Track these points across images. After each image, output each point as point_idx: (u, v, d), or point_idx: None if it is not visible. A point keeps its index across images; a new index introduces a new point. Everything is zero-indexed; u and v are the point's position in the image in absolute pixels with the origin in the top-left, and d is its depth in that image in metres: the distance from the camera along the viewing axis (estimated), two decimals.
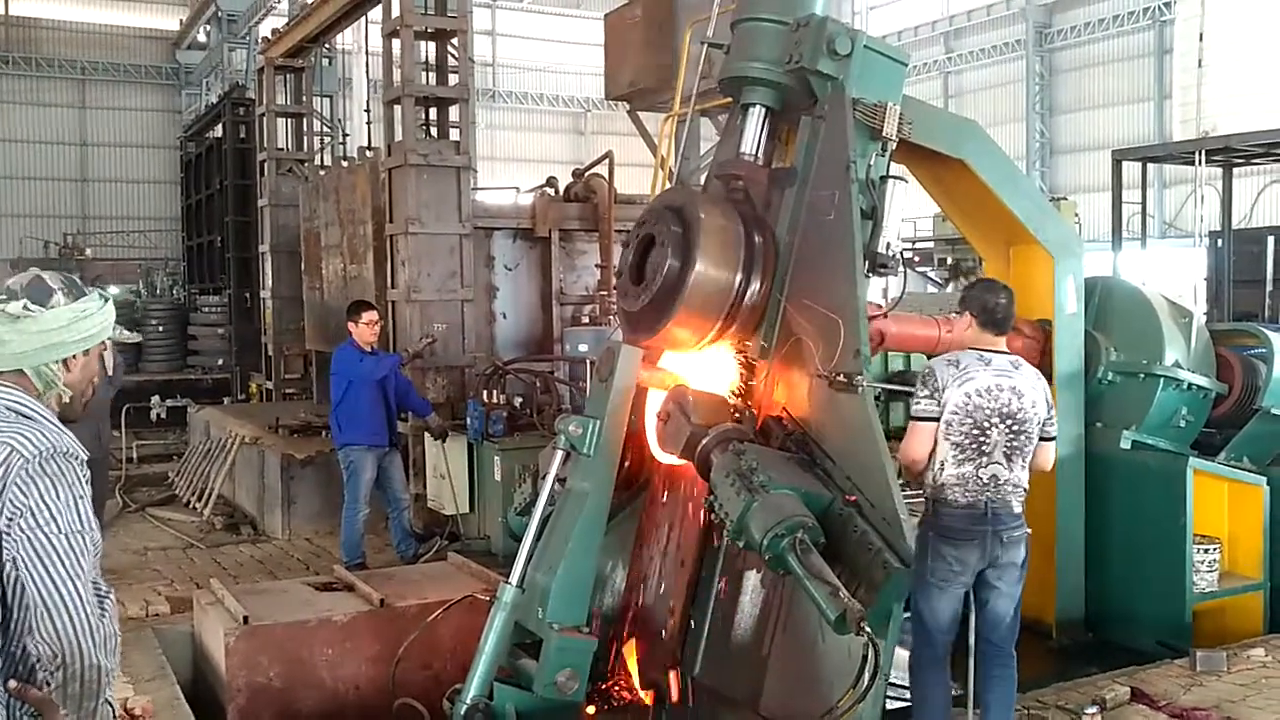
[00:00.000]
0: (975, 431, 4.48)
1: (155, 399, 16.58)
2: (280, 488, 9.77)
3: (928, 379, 4.56)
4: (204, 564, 8.79)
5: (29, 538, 2.49)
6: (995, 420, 4.47)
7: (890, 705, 5.41)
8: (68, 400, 2.78)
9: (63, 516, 2.53)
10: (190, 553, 9.23)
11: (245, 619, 6.03)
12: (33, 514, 2.50)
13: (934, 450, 4.56)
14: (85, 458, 2.69)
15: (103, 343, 2.87)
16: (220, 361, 18.53)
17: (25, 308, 2.67)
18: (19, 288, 2.71)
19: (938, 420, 4.51)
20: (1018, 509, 4.53)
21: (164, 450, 14.61)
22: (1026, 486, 4.57)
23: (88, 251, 31.18)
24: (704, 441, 5.45)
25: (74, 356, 2.75)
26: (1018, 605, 4.61)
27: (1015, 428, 4.47)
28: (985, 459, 4.48)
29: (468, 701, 5.28)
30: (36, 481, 2.51)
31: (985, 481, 4.49)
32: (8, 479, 2.49)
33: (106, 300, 2.88)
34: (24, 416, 2.62)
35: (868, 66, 5.80)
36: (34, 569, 2.49)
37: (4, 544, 2.50)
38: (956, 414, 4.48)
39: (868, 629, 4.70)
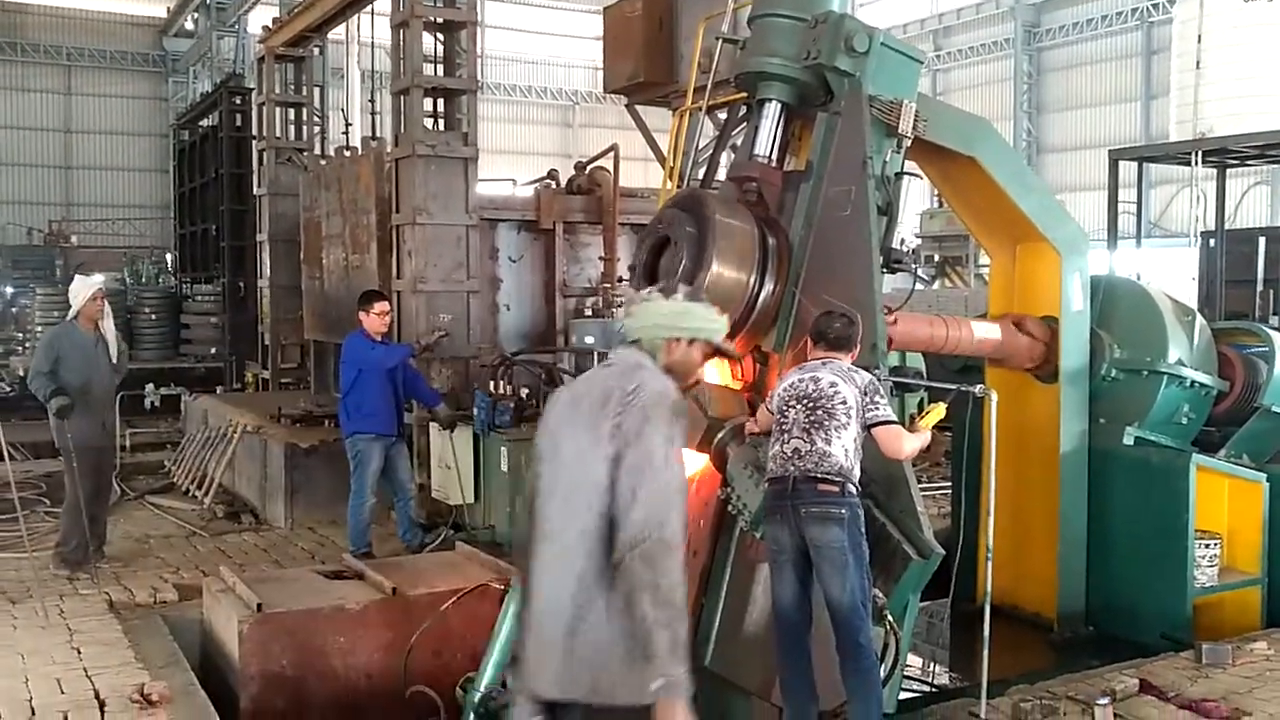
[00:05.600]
0: (780, 417, 4.94)
1: (150, 387, 16.52)
2: (283, 477, 9.76)
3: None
4: (208, 552, 8.78)
5: (632, 450, 3.19)
6: (793, 402, 4.91)
7: (903, 695, 5.51)
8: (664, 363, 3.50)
9: (662, 437, 3.22)
10: (193, 540, 9.22)
11: (259, 606, 6.05)
12: (641, 431, 3.21)
13: None
14: (677, 400, 3.38)
15: (705, 344, 3.59)
16: (213, 350, 18.45)
17: (646, 298, 3.61)
18: (663, 288, 3.81)
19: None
20: (824, 487, 4.71)
21: (157, 439, 14.55)
22: (844, 464, 4.74)
23: (72, 239, 30.99)
24: (720, 434, 5.52)
25: (676, 341, 3.52)
26: (859, 596, 4.64)
27: (810, 404, 4.85)
28: (787, 435, 4.87)
29: (482, 689, 5.33)
30: (651, 409, 3.25)
31: (789, 455, 4.82)
32: (628, 405, 3.26)
33: (706, 309, 3.66)
34: (645, 368, 3.43)
35: (884, 63, 5.87)
36: (629, 474, 3.18)
37: (620, 462, 3.20)
38: (774, 410, 5.02)
39: (890, 619, 4.79)
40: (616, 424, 3.23)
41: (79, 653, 6.18)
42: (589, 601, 3.18)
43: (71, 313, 8.34)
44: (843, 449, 4.75)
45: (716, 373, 6.07)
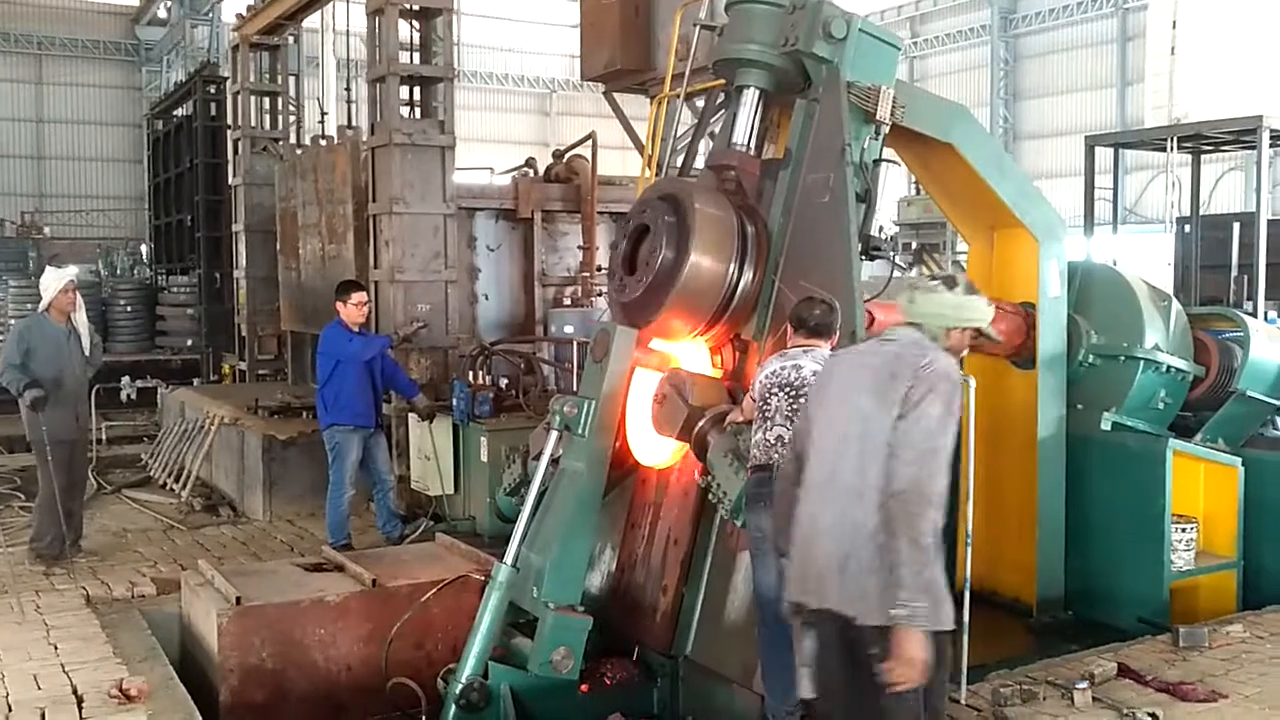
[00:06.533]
0: (762, 405, 5.02)
1: (125, 380, 16.39)
2: (261, 469, 9.71)
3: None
4: (186, 545, 8.72)
5: (914, 415, 3.69)
6: (775, 390, 4.98)
7: None
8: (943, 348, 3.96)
9: (941, 409, 3.72)
10: (171, 534, 9.16)
11: (238, 599, 6.01)
12: (924, 400, 3.70)
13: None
14: (960, 381, 3.88)
15: (969, 331, 4.03)
16: (189, 342, 18.28)
17: (930, 288, 4.02)
18: (946, 277, 4.11)
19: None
20: None
21: (133, 432, 14.46)
22: None
23: (45, 230, 30.62)
24: (700, 423, 5.52)
25: (955, 330, 3.99)
26: None
27: (792, 393, 4.92)
28: (769, 423, 4.94)
29: (463, 681, 5.34)
30: (939, 384, 3.73)
31: (772, 442, 4.90)
32: (919, 377, 3.73)
33: (982, 301, 4.09)
34: (931, 346, 3.90)
35: (862, 50, 5.86)
36: (907, 434, 3.67)
37: (900, 422, 3.70)
38: (756, 398, 5.08)
39: None
40: (905, 393, 3.72)
41: (56, 648, 6.12)
42: (866, 539, 3.70)
43: (42, 305, 8.26)
44: None
45: (697, 361, 6.08)
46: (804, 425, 4.14)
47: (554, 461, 5.81)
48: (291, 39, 14.65)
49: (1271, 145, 12.18)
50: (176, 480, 10.89)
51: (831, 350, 5.07)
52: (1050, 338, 6.96)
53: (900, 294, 4.10)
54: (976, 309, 4.05)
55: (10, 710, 5.23)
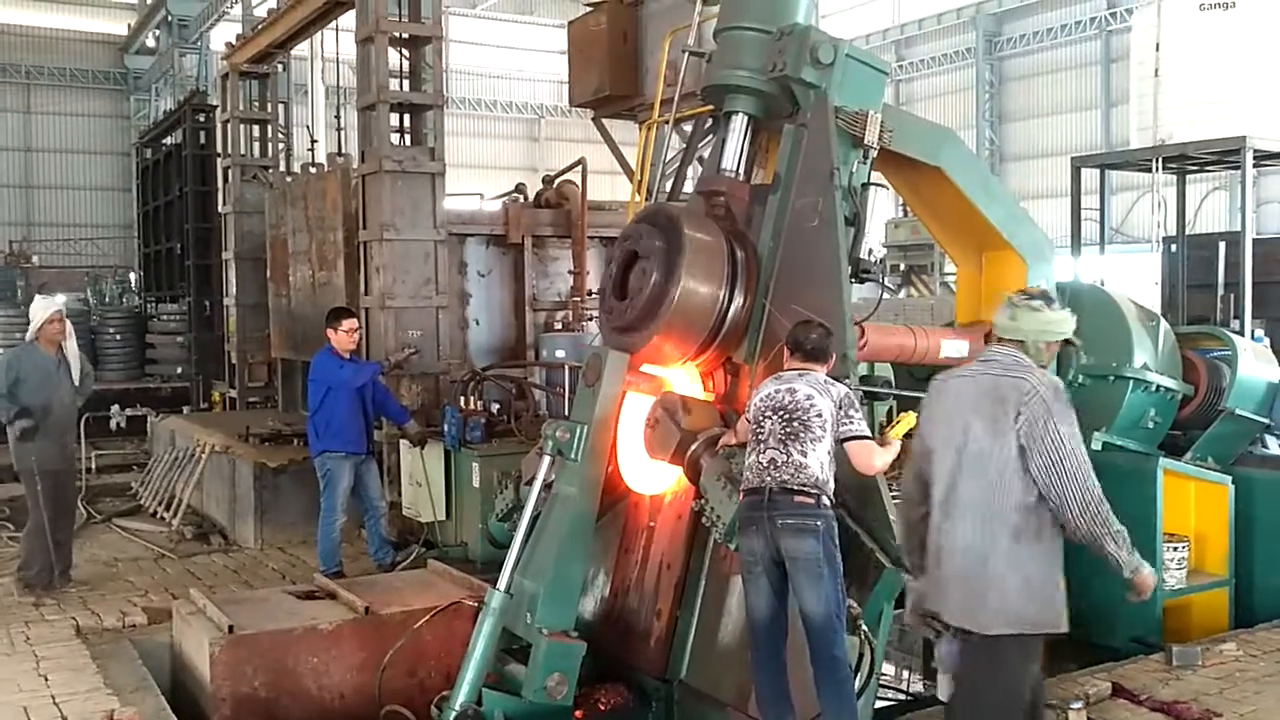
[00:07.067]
0: (756, 427, 4.97)
1: (115, 408, 16.32)
2: (252, 497, 9.68)
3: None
4: (177, 574, 8.67)
5: (1047, 445, 4.00)
6: (769, 413, 4.94)
7: (877, 704, 5.52)
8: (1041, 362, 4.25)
9: (1065, 426, 4.04)
10: (162, 563, 9.11)
11: (230, 628, 5.99)
12: (1048, 426, 4.00)
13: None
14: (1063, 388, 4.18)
15: (1057, 342, 4.32)
16: (179, 370, 18.25)
17: (1032, 306, 4.26)
18: (1039, 294, 4.36)
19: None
20: (800, 498, 4.72)
21: (123, 460, 14.39)
22: (819, 476, 4.77)
23: (34, 259, 30.57)
24: (694, 446, 5.52)
25: (1050, 344, 4.28)
26: (834, 608, 4.65)
27: (786, 416, 4.88)
28: (763, 445, 4.89)
29: (456, 708, 5.31)
30: (1052, 404, 4.03)
31: (765, 465, 4.84)
32: (1030, 403, 4.02)
33: (1067, 312, 4.38)
34: (1028, 366, 4.16)
35: (849, 75, 5.90)
36: (1052, 466, 3.99)
37: (1032, 455, 4.00)
38: (750, 420, 5.04)
39: (864, 628, 4.81)
40: (1017, 417, 4.02)
41: (46, 679, 6.08)
42: (994, 552, 4.05)
43: (30, 333, 8.24)
44: (818, 461, 4.77)
45: (689, 385, 6.09)
46: (921, 446, 4.42)
47: (547, 486, 5.80)
48: (281, 67, 14.70)
49: (1255, 165, 12.26)
50: (167, 509, 10.82)
51: (827, 374, 5.07)
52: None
53: (999, 312, 4.34)
54: (1068, 322, 4.35)
55: None
